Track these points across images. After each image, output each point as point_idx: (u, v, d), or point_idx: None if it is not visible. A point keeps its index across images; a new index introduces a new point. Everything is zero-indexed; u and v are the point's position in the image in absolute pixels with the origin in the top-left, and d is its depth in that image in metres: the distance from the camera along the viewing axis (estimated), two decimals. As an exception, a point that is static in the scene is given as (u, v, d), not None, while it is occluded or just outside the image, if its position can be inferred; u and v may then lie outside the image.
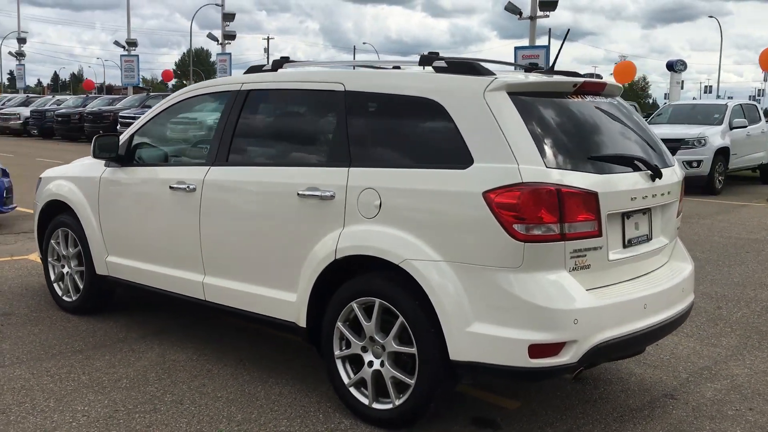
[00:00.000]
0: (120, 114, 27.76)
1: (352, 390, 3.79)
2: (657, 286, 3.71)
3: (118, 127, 27.29)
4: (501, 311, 3.29)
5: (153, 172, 4.88)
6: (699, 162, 14.44)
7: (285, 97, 4.36)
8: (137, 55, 41.85)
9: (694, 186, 13.48)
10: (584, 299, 3.31)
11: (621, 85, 4.22)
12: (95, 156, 5.06)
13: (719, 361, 4.86)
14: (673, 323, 3.80)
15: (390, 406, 3.64)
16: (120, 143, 5.09)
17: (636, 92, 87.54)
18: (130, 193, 5.03)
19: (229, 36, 36.81)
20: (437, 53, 3.93)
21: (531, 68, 4.24)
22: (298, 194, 3.92)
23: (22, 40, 53.14)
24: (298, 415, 3.85)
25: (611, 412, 3.99)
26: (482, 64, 3.71)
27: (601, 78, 4.19)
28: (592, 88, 3.85)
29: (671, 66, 28.04)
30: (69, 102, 33.94)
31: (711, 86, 79.09)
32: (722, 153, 14.91)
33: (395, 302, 3.55)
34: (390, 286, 3.57)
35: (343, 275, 3.79)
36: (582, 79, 3.76)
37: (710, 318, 5.87)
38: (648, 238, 3.86)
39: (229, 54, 38.99)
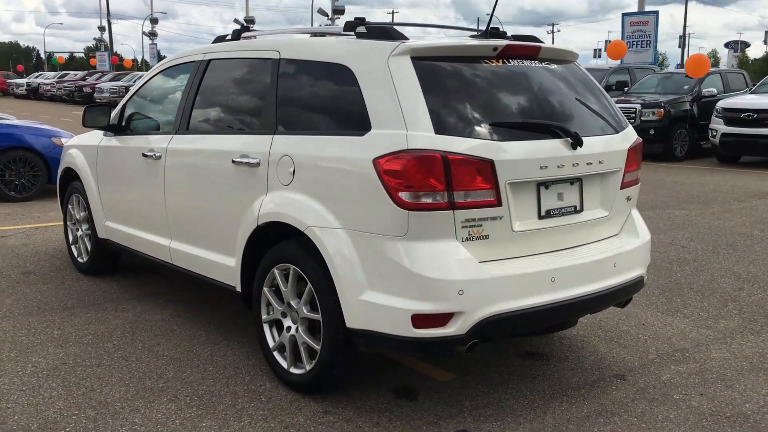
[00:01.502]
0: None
1: (276, 354, 3.86)
2: (576, 259, 3.53)
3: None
4: (388, 280, 3.24)
5: (134, 140, 5.10)
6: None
7: (233, 66, 4.43)
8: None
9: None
10: (472, 270, 3.20)
11: (570, 50, 3.99)
12: (84, 125, 5.35)
13: (702, 343, 4.55)
14: (600, 298, 3.60)
15: (303, 371, 3.69)
16: (114, 113, 5.36)
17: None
18: (117, 161, 5.29)
19: (338, 11, 37.25)
20: (363, 18, 3.87)
21: (486, 33, 4.06)
22: (233, 161, 4.00)
23: (154, 20, 56.20)
24: (228, 376, 3.96)
25: (545, 390, 3.84)
26: (403, 28, 3.63)
27: (538, 41, 3.95)
28: (521, 51, 3.67)
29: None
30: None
31: None
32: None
33: (304, 269, 3.57)
34: (300, 253, 3.59)
35: (270, 241, 3.85)
36: (504, 42, 3.59)
37: (722, 299, 5.48)
38: (577, 210, 3.66)
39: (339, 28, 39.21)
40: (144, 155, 4.81)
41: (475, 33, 3.84)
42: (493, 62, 3.55)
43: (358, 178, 3.32)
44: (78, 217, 5.97)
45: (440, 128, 3.21)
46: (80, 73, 46.97)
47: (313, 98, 3.79)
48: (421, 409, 3.60)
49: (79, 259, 6.01)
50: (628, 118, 15.44)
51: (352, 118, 3.46)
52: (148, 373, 3.98)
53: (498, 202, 3.28)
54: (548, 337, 4.60)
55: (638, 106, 15.38)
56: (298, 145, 3.68)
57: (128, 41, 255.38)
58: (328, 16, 37.41)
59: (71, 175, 6.00)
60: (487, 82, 3.52)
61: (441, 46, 3.50)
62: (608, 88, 18.02)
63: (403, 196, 3.16)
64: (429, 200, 3.16)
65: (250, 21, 42.00)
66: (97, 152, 5.52)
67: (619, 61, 22.16)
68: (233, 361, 4.16)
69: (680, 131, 15.70)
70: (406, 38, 3.52)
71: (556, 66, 3.83)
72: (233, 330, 4.66)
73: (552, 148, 3.45)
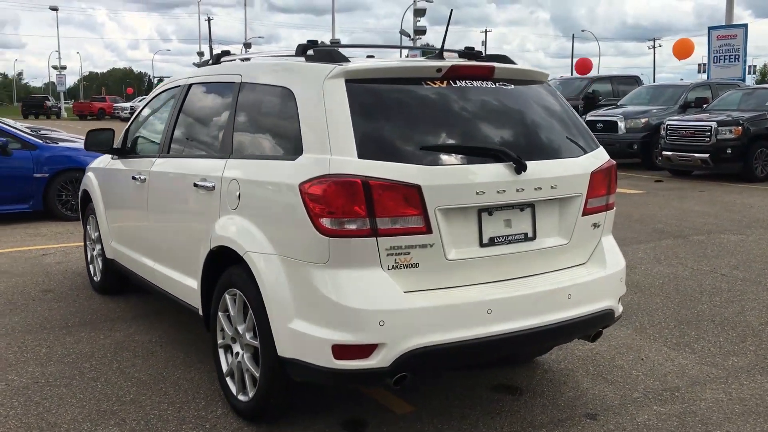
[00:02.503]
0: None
1: (228, 379, 3.81)
2: (519, 290, 3.31)
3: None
4: (312, 308, 3.14)
5: (130, 163, 5.21)
6: None
7: (207, 90, 4.46)
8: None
9: None
10: (395, 300, 3.06)
11: (537, 71, 3.79)
12: (86, 149, 5.51)
13: (698, 382, 4.20)
14: (550, 332, 3.38)
15: (247, 398, 3.62)
16: (120, 136, 5.49)
17: None
18: (116, 183, 5.41)
19: (420, 31, 37.37)
20: (315, 41, 3.80)
21: (440, 53, 3.94)
22: (194, 185, 4.01)
23: (247, 45, 58.06)
24: (184, 400, 3.94)
25: (504, 427, 3.63)
26: (341, 50, 3.55)
27: (508, 61, 3.76)
28: (471, 72, 3.51)
29: None
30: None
31: None
32: None
33: (246, 295, 3.51)
34: (243, 279, 3.54)
35: (224, 265, 3.82)
36: (449, 63, 3.44)
37: (741, 333, 5.07)
38: (528, 237, 3.45)
39: (419, 49, 39.53)
40: (133, 178, 4.90)
41: (432, 53, 3.72)
42: (436, 83, 3.41)
43: (287, 203, 3.25)
44: (93, 237, 6.15)
45: (365, 152, 3.10)
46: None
47: (262, 121, 3.77)
48: (363, 443, 3.47)
49: (95, 278, 6.17)
50: (702, 137, 15.04)
51: (290, 142, 3.41)
52: (109, 395, 4.01)
53: (427, 229, 3.13)
54: (529, 368, 4.36)
55: (714, 124, 14.62)
56: (243, 168, 3.65)
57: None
58: (410, 36, 37.63)
59: (87, 196, 6.20)
60: (426, 105, 3.38)
61: (378, 68, 3.39)
62: (687, 105, 17.25)
63: (325, 222, 3.06)
64: (350, 227, 3.05)
65: (336, 42, 42.74)
66: (104, 174, 5.68)
67: (703, 76, 21.16)
68: (197, 384, 4.14)
69: (761, 150, 14.81)
70: (347, 60, 3.43)
71: (515, 87, 3.64)
72: (209, 352, 4.64)
73: (491, 172, 3.27)
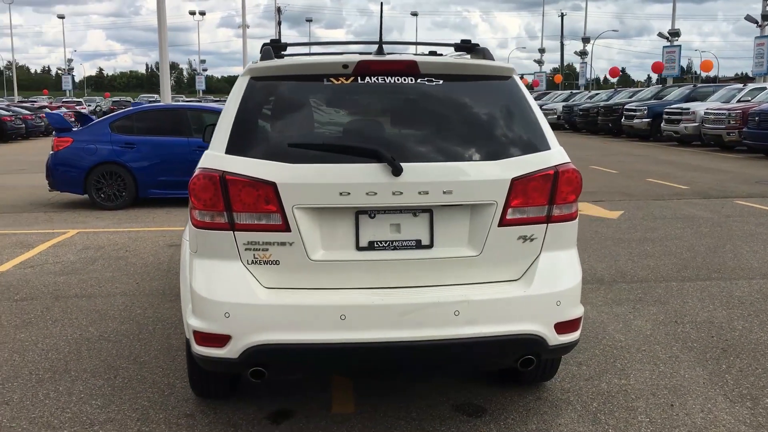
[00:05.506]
0: (625, 107, 27.89)
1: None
2: (385, 300, 3.08)
3: (622, 120, 27.67)
4: (187, 294, 3.32)
5: None
6: None
7: None
8: (680, 45, 40.97)
9: None
10: (245, 294, 3.09)
11: (488, 64, 3.43)
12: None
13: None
14: (422, 350, 3.09)
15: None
16: None
17: None
18: None
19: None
20: (277, 40, 3.89)
21: (379, 49, 3.70)
22: None
23: (585, 40, 56.95)
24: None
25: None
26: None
27: (418, 55, 3.46)
28: (384, 67, 3.32)
29: None
30: (601, 96, 35.26)
31: None
32: None
33: None
34: None
35: None
36: (357, 59, 3.30)
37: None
38: (423, 245, 3.19)
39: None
40: None
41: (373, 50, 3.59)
42: (340, 80, 3.32)
43: None
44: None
45: (233, 148, 3.18)
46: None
47: None
48: (269, 432, 3.54)
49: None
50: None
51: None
52: (54, 414, 4.01)
53: (286, 228, 3.10)
54: (508, 389, 3.96)
55: None
56: None
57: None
58: (757, 23, 33.49)
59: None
60: (320, 102, 3.32)
61: (283, 65, 3.40)
62: None
63: (195, 214, 3.22)
64: (209, 219, 3.16)
65: (675, 34, 39.92)
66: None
67: None
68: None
69: None
70: (281, 57, 3.55)
71: (444, 83, 3.35)
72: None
73: (359, 173, 3.09)
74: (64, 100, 55.81)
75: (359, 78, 3.30)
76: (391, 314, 3.06)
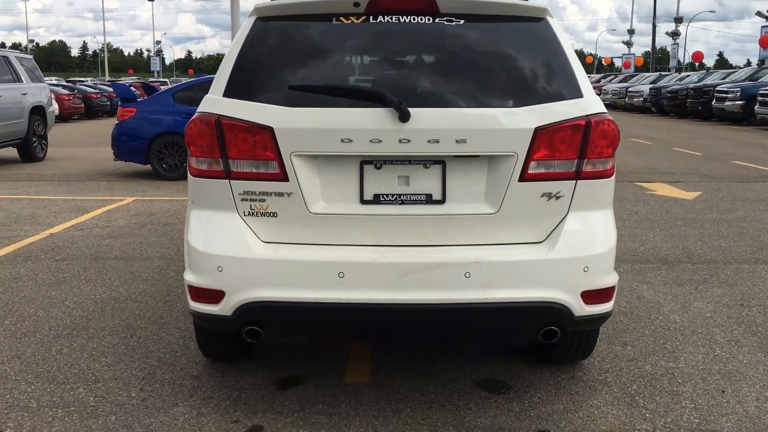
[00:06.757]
0: (717, 89, 26.49)
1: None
2: (387, 258, 2.79)
3: (713, 102, 26.28)
4: (185, 248, 3.13)
5: None
6: None
7: None
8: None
9: None
10: (240, 247, 2.85)
11: (517, 3, 3.06)
12: None
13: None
14: (427, 313, 2.79)
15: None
16: None
17: None
18: None
19: None
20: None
21: None
22: None
23: (678, 20, 54.47)
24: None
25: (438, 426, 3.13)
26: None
27: None
28: (399, 6, 2.99)
29: None
30: (692, 77, 33.55)
31: None
32: None
33: None
34: None
35: None
36: None
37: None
38: (433, 200, 2.88)
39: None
40: None
41: None
42: (350, 20, 3.03)
43: None
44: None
45: (232, 91, 2.94)
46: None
47: None
48: (284, 399, 3.33)
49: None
50: None
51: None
52: (33, 394, 3.65)
53: (284, 177, 2.85)
54: (538, 367, 3.61)
55: None
56: None
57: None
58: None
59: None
60: (327, 43, 3.04)
61: (289, 4, 3.13)
62: None
63: (192, 161, 3.01)
64: (205, 167, 2.95)
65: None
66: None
67: None
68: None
69: None
70: None
71: (466, 23, 3.01)
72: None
73: (362, 118, 2.80)
74: (150, 80, 57.40)
75: (371, 17, 3.01)
76: (393, 274, 2.78)
